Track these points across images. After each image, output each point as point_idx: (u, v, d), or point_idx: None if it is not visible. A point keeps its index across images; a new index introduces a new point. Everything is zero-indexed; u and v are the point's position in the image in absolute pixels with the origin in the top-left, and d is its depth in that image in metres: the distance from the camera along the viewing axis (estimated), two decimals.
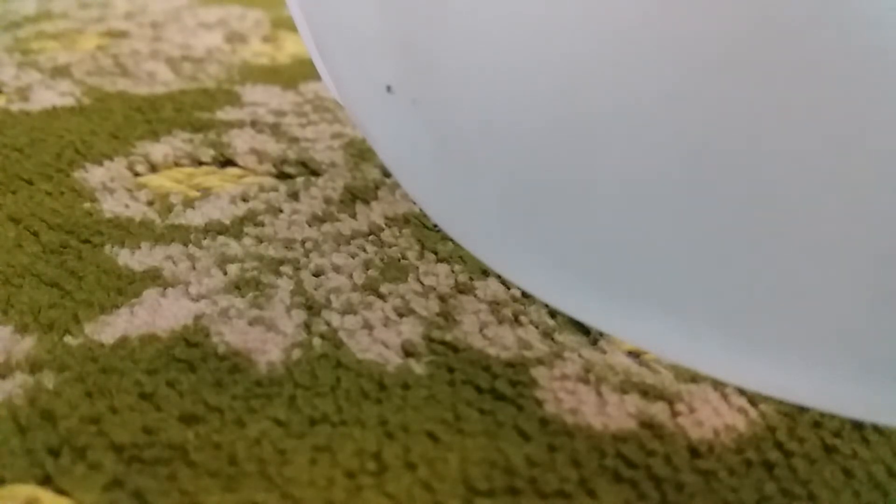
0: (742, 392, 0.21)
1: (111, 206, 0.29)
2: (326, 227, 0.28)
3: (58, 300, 0.24)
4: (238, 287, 0.24)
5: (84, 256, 0.26)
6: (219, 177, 0.31)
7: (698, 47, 0.14)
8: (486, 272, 0.25)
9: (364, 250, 0.26)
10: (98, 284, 0.24)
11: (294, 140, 0.34)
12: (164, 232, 0.27)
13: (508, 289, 0.25)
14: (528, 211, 0.18)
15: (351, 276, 0.25)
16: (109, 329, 0.23)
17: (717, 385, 0.21)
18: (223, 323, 0.23)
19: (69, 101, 0.37)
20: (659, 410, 0.20)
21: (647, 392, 0.21)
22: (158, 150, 0.33)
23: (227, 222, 0.28)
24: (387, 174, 0.31)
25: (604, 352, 0.22)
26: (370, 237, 0.27)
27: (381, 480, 0.18)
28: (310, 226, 0.28)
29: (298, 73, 0.42)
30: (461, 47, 0.17)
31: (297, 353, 0.22)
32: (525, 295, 0.24)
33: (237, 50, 0.45)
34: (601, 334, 0.23)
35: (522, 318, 0.23)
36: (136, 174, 0.31)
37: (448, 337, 0.23)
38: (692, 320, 0.17)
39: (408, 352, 0.22)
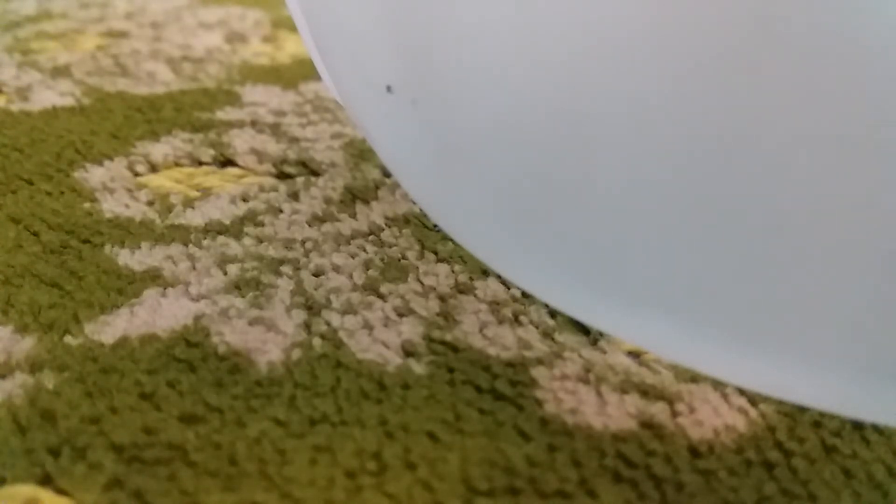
0: (742, 392, 0.21)
1: (111, 206, 0.29)
2: (326, 227, 0.28)
3: (58, 300, 0.24)
4: (238, 287, 0.24)
5: (84, 256, 0.26)
6: (219, 177, 0.31)
7: (698, 47, 0.14)
8: (486, 272, 0.25)
9: (364, 250, 0.26)
10: (98, 284, 0.24)
11: (294, 140, 0.34)
12: (164, 232, 0.27)
13: (508, 289, 0.25)
14: (527, 211, 0.18)
15: (351, 276, 0.25)
16: (109, 329, 0.23)
17: (717, 385, 0.21)
18: (223, 323, 0.23)
19: (69, 101, 0.37)
20: (659, 410, 0.20)
21: (647, 392, 0.21)
22: (158, 150, 0.33)
23: (227, 222, 0.28)
24: (387, 174, 0.31)
25: (604, 352, 0.22)
26: (370, 237, 0.27)
27: (381, 480, 0.18)
28: (310, 226, 0.28)
29: (298, 73, 0.42)
30: (461, 47, 0.17)
31: (297, 353, 0.22)
32: (525, 295, 0.24)
33: (237, 50, 0.45)
34: (601, 334, 0.23)
35: (522, 318, 0.23)
36: (136, 174, 0.31)
37: (448, 337, 0.23)
38: (692, 320, 0.17)
39: (408, 352, 0.22)
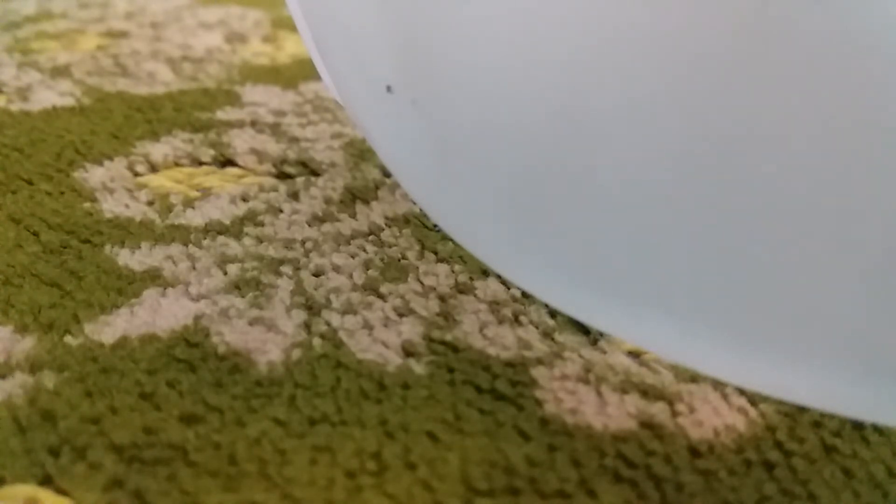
0: (742, 392, 0.21)
1: (111, 206, 0.29)
2: (326, 227, 0.28)
3: (58, 300, 0.24)
4: (238, 287, 0.24)
5: (84, 256, 0.26)
6: (219, 177, 0.31)
7: (698, 46, 0.14)
8: (486, 272, 0.25)
9: (364, 250, 0.26)
10: (98, 284, 0.24)
11: (294, 140, 0.34)
12: (164, 232, 0.27)
13: (508, 289, 0.25)
14: (527, 211, 0.18)
15: (351, 276, 0.25)
16: (109, 329, 0.23)
17: (717, 385, 0.21)
18: (223, 323, 0.23)
19: (69, 101, 0.37)
20: (659, 410, 0.20)
21: (647, 392, 0.21)
22: (158, 150, 0.33)
23: (227, 222, 0.28)
24: (387, 174, 0.31)
25: (604, 352, 0.22)
26: (370, 237, 0.27)
27: (381, 480, 0.18)
28: (310, 226, 0.28)
29: (298, 73, 0.42)
30: (461, 47, 0.17)
31: (297, 353, 0.22)
32: (525, 295, 0.24)
33: (237, 50, 0.45)
34: (601, 334, 0.23)
35: (522, 318, 0.23)
36: (136, 174, 0.31)
37: (448, 337, 0.23)
38: (692, 320, 0.17)
39: (408, 352, 0.22)
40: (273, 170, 0.32)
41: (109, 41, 0.46)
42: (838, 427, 0.20)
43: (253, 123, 0.35)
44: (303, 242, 0.27)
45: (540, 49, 0.16)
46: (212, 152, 0.33)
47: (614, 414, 0.20)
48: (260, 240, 0.27)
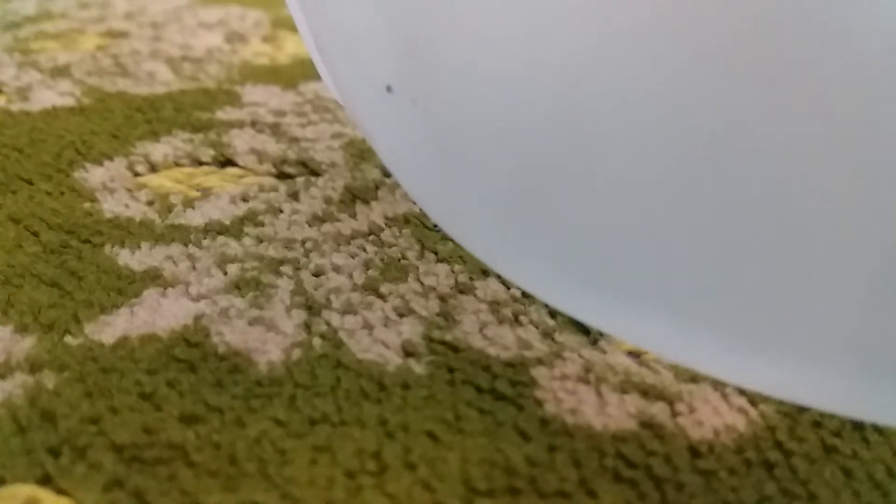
0: (742, 392, 0.21)
1: (111, 206, 0.29)
2: (326, 227, 0.28)
3: (58, 300, 0.24)
4: (238, 287, 0.24)
5: (84, 256, 0.26)
6: (219, 177, 0.31)
7: (697, 45, 0.14)
8: (486, 272, 0.25)
9: (364, 250, 0.26)
10: (98, 284, 0.24)
11: (294, 140, 0.34)
12: (164, 232, 0.27)
13: (508, 289, 0.25)
14: (527, 211, 0.18)
15: (351, 276, 0.25)
16: (109, 329, 0.23)
17: (717, 385, 0.21)
18: (223, 323, 0.23)
19: (69, 101, 0.37)
20: (659, 410, 0.20)
21: (647, 392, 0.21)
22: (158, 150, 0.33)
23: (227, 222, 0.28)
24: (387, 174, 0.31)
25: (604, 352, 0.22)
26: (370, 237, 0.27)
27: (381, 480, 0.18)
28: (310, 226, 0.28)
29: (298, 73, 0.42)
30: (461, 47, 0.17)
31: (297, 353, 0.22)
32: (525, 295, 0.24)
33: (237, 50, 0.45)
34: (601, 334, 0.23)
35: (522, 318, 0.23)
36: (136, 174, 0.31)
37: (448, 337, 0.23)
38: (692, 320, 0.17)
39: (408, 352, 0.22)
40: (273, 170, 0.32)
41: (109, 41, 0.46)
42: (838, 427, 0.20)
43: (253, 123, 0.35)
44: (303, 242, 0.27)
45: (539, 49, 0.16)
46: (212, 152, 0.33)
47: (614, 414, 0.20)
48: (260, 240, 0.27)
